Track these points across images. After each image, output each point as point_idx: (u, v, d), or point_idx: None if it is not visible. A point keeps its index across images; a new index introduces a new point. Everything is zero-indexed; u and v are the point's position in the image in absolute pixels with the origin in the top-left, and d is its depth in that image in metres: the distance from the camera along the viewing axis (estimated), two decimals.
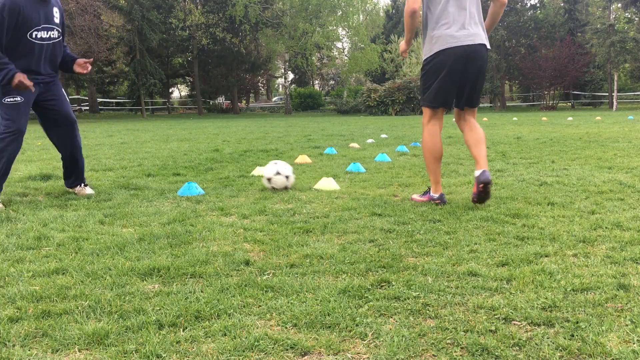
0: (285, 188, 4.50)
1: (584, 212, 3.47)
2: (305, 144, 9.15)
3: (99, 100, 39.33)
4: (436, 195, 3.86)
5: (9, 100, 3.97)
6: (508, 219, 3.29)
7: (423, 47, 3.89)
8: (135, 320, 1.89)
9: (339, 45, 46.90)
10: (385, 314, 1.95)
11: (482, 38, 3.73)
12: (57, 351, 1.71)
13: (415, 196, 4.03)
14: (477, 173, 3.62)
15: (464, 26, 3.67)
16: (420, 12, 3.81)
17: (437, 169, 3.88)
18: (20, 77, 3.85)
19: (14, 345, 1.73)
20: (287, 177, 4.51)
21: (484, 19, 3.89)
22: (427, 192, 3.97)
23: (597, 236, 2.88)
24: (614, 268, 2.38)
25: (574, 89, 36.87)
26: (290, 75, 49.49)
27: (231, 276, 2.36)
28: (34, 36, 4.02)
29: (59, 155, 4.45)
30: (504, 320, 1.88)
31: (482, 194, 3.59)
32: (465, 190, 4.34)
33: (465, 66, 3.70)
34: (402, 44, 4.14)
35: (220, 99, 47.23)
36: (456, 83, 3.77)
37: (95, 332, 1.79)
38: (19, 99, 3.98)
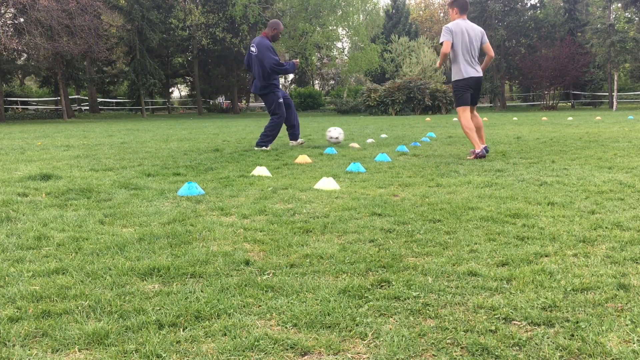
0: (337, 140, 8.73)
1: (584, 212, 3.47)
2: (305, 144, 9.14)
3: (99, 100, 39.34)
4: (479, 150, 6.59)
5: (280, 100, 8.19)
6: (508, 219, 3.29)
7: (453, 72, 7.00)
8: (135, 320, 1.89)
9: (339, 45, 46.93)
10: (385, 314, 1.95)
11: (480, 72, 6.94)
12: (57, 351, 1.71)
13: (468, 157, 6.70)
14: (482, 146, 6.76)
15: (473, 65, 6.87)
16: (450, 53, 6.87)
17: (474, 135, 6.76)
18: (297, 64, 8.36)
19: (14, 345, 1.73)
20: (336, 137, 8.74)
21: (481, 63, 7.22)
22: (472, 152, 6.70)
23: (597, 236, 2.88)
24: (614, 268, 2.38)
25: (574, 88, 36.86)
26: (290, 75, 49.49)
27: (231, 276, 2.36)
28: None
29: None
30: (504, 320, 1.88)
31: (481, 157, 6.55)
32: (465, 190, 4.34)
33: (476, 84, 6.96)
34: (438, 63, 7.44)
35: (220, 99, 47.24)
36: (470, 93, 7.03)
37: (95, 332, 1.79)
38: (281, 100, 8.23)
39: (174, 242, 2.87)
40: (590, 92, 37.10)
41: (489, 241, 2.84)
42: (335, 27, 37.43)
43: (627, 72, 38.56)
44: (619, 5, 32.96)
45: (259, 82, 8.17)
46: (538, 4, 39.37)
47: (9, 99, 33.00)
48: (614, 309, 1.95)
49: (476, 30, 6.91)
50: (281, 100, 8.24)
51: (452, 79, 6.99)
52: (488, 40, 7.01)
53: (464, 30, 6.79)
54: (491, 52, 6.99)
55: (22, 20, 24.93)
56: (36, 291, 2.16)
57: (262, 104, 52.36)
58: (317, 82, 55.98)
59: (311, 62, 36.57)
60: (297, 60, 8.45)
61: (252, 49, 8.09)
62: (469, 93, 6.87)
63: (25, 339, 1.77)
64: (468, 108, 6.89)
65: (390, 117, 24.71)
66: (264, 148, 8.10)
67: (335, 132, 8.80)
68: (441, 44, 6.79)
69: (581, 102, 37.65)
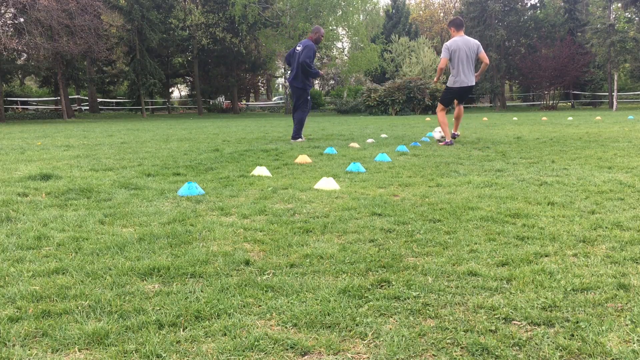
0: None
1: (584, 212, 3.47)
2: (305, 144, 9.15)
3: (99, 100, 39.33)
4: (448, 140, 8.47)
5: (308, 97, 9.62)
6: (508, 219, 3.29)
7: (449, 78, 8.58)
8: (135, 320, 1.89)
9: (339, 45, 46.88)
10: (385, 314, 1.95)
11: (472, 81, 8.46)
12: (57, 351, 1.71)
13: (440, 143, 8.40)
14: (452, 131, 9.10)
15: (466, 75, 8.37)
16: (449, 65, 8.47)
17: (447, 129, 8.63)
18: (322, 74, 9.63)
19: (14, 345, 1.73)
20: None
21: (476, 71, 8.76)
22: (445, 142, 8.53)
23: (597, 236, 2.88)
24: (614, 268, 2.38)
25: (574, 88, 36.86)
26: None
27: (231, 276, 2.36)
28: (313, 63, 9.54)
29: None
30: (504, 320, 1.88)
31: (449, 145, 8.40)
32: (465, 190, 4.34)
33: (464, 92, 8.63)
34: (435, 79, 9.05)
35: (220, 99, 47.23)
36: (456, 97, 8.86)
37: (95, 332, 1.79)
38: (309, 97, 9.65)
39: (174, 242, 2.87)
40: (590, 92, 37.10)
41: (489, 241, 2.84)
42: (335, 27, 37.39)
43: (627, 72, 38.54)
44: (619, 5, 32.96)
45: (299, 77, 9.53)
46: (538, 4, 39.37)
47: (9, 99, 33.00)
48: (614, 309, 1.95)
49: (472, 44, 8.36)
50: (309, 97, 9.80)
51: (447, 84, 8.69)
52: (483, 50, 8.52)
53: (460, 47, 8.30)
54: (486, 60, 8.51)
55: (22, 20, 24.93)
56: (36, 291, 2.16)
57: (262, 104, 52.66)
58: (317, 82, 55.94)
59: None
60: (323, 72, 9.65)
61: (298, 47, 9.50)
62: (453, 98, 8.80)
63: (25, 339, 1.77)
64: (446, 109, 8.90)
65: (390, 117, 24.71)
66: (299, 140, 9.66)
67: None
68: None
69: (581, 102, 37.64)
